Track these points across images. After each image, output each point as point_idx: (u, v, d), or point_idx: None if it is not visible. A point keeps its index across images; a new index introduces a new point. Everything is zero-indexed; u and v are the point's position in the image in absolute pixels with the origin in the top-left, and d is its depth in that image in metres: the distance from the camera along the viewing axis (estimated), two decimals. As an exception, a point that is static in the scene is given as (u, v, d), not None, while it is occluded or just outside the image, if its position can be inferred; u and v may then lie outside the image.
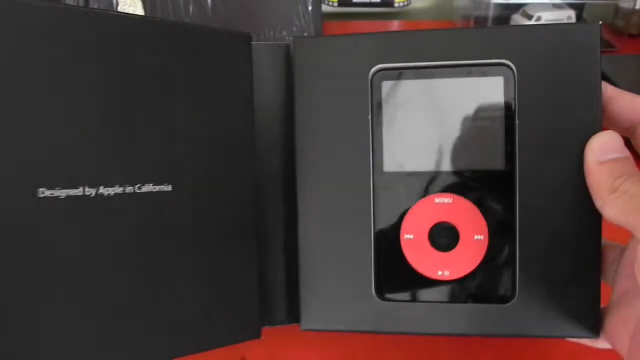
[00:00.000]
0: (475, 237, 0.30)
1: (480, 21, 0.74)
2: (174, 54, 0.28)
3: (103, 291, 0.26)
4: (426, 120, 0.31)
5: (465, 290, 0.30)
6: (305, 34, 0.75)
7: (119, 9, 0.60)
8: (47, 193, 0.24)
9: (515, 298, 0.29)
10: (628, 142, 0.28)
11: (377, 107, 0.31)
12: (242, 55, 0.31)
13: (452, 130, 0.30)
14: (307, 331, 0.31)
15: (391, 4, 0.86)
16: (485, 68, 0.30)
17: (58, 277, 0.25)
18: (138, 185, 0.27)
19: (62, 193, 0.25)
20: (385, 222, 0.31)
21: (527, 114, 0.29)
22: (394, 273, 0.31)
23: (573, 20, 0.74)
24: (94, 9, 0.25)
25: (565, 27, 0.29)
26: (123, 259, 0.26)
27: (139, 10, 0.61)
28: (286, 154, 0.32)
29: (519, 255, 0.29)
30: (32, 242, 0.24)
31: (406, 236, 0.31)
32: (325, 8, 0.81)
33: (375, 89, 0.31)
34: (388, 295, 0.31)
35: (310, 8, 0.72)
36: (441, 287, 0.30)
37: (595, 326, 0.29)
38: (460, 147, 0.30)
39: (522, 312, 0.29)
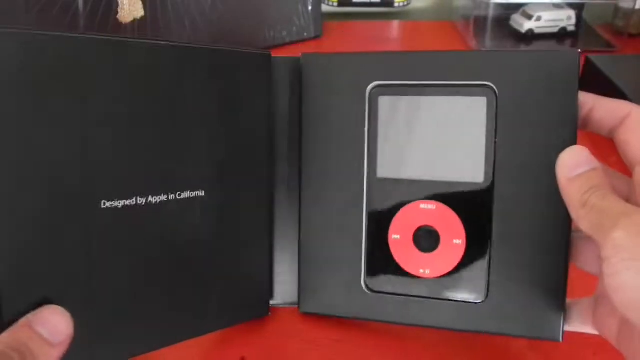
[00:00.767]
0: (454, 241, 0.33)
1: (480, 21, 0.74)
2: (204, 76, 0.31)
3: (147, 278, 0.30)
4: (417, 133, 0.33)
5: (443, 288, 0.33)
6: (305, 34, 0.75)
7: (119, 8, 0.60)
8: (108, 204, 0.28)
9: (487, 298, 0.32)
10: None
11: (373, 120, 0.34)
12: (263, 72, 0.35)
13: (439, 144, 0.33)
14: (305, 314, 0.36)
15: (391, 4, 0.86)
16: (471, 89, 0.32)
17: (115, 267, 0.29)
18: (178, 192, 0.31)
19: (119, 203, 0.29)
20: (376, 223, 0.34)
21: (507, 132, 0.31)
22: (382, 269, 0.34)
23: (573, 20, 0.75)
24: (132, 39, 0.29)
25: (546, 54, 0.31)
26: (165, 251, 0.31)
27: (139, 10, 0.61)
28: (293, 156, 0.36)
29: (493, 260, 0.32)
30: (96, 244, 0.28)
31: (394, 236, 0.34)
32: (325, 8, 0.81)
33: (372, 103, 0.34)
34: (376, 288, 0.34)
35: (310, 8, 0.72)
36: (422, 284, 0.34)
37: (557, 331, 0.31)
38: (445, 160, 0.33)
39: (492, 311, 0.32)
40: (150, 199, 0.30)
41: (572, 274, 0.31)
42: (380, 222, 0.34)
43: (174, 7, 0.64)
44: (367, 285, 0.34)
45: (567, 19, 0.75)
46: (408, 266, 0.34)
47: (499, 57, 0.32)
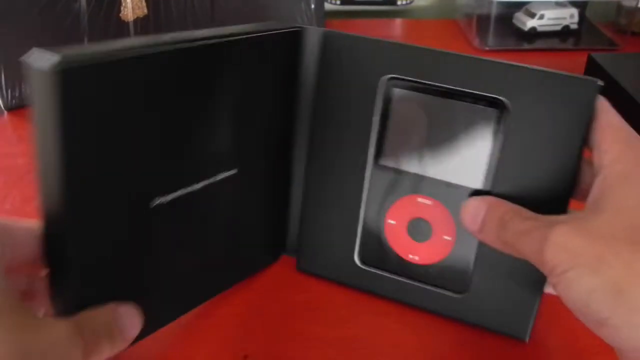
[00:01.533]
0: (445, 237, 0.35)
1: (483, 19, 0.74)
2: (237, 63, 0.32)
3: (193, 248, 0.34)
4: (424, 130, 0.34)
5: (429, 275, 0.36)
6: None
7: (122, 7, 0.60)
8: (157, 201, 0.30)
9: (467, 293, 0.35)
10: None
11: (385, 109, 0.34)
12: (293, 48, 0.35)
13: (445, 145, 0.34)
14: (301, 271, 0.39)
15: (394, 2, 0.86)
16: (485, 99, 0.32)
17: (165, 252, 0.32)
18: (215, 175, 0.33)
19: (168, 198, 0.30)
20: (374, 205, 0.36)
21: (513, 148, 0.32)
22: (375, 247, 0.37)
23: (576, 18, 0.74)
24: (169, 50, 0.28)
25: (567, 79, 0.30)
26: (205, 229, 0.34)
27: (142, 8, 0.61)
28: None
29: (477, 261, 0.34)
30: (150, 237, 0.30)
31: (389, 221, 0.36)
32: (328, 6, 0.81)
33: (385, 93, 0.34)
34: (367, 262, 0.37)
35: (313, 6, 0.72)
36: (410, 267, 0.36)
37: (524, 331, 0.34)
38: (448, 161, 0.34)
39: (470, 305, 0.35)
40: (193, 187, 0.32)
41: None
42: (378, 206, 0.36)
43: (177, 6, 0.64)
44: (360, 259, 0.37)
45: (570, 17, 0.75)
46: (399, 250, 0.36)
47: (519, 73, 0.31)
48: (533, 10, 0.75)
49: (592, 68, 0.61)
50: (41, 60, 0.23)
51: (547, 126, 0.30)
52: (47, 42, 0.64)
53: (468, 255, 0.34)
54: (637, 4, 0.74)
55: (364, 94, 0.34)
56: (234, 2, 0.67)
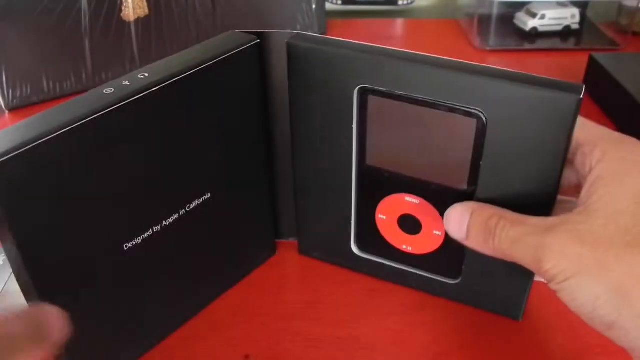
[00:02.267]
0: (435, 232, 0.36)
1: (484, 19, 0.74)
2: (198, 94, 0.31)
3: (179, 264, 0.34)
4: (405, 135, 0.33)
5: (424, 263, 0.37)
6: (310, 32, 0.75)
7: (123, 7, 0.60)
8: (129, 244, 0.30)
9: (461, 280, 0.36)
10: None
11: (362, 116, 0.34)
12: (255, 60, 0.34)
13: (427, 149, 0.33)
14: (303, 255, 0.41)
15: (395, 3, 0.86)
16: (462, 109, 0.31)
17: (152, 274, 0.33)
18: (187, 205, 0.33)
19: (139, 239, 0.31)
20: (364, 202, 0.37)
21: (492, 157, 0.31)
22: (369, 239, 0.38)
23: (577, 18, 0.74)
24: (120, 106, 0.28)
25: (546, 94, 0.28)
26: (186, 250, 0.34)
27: (144, 8, 0.62)
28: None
29: (468, 251, 0.33)
30: (123, 273, 0.31)
31: (380, 216, 0.37)
32: (329, 6, 0.81)
33: (360, 101, 0.33)
34: (364, 250, 0.39)
35: (314, 6, 0.72)
36: (405, 256, 0.37)
37: (518, 312, 0.36)
38: (431, 164, 0.34)
39: (465, 289, 0.36)
40: (164, 223, 0.32)
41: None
42: (368, 202, 0.37)
43: (178, 5, 0.64)
44: (357, 247, 0.39)
45: (571, 17, 0.75)
46: (393, 241, 0.38)
47: (495, 88, 0.29)
48: (534, 10, 0.75)
49: (593, 68, 0.60)
50: None
51: (527, 139, 0.29)
52: (49, 42, 0.65)
53: (458, 246, 0.33)
54: (639, 4, 0.74)
55: (339, 101, 0.33)
56: (235, 2, 0.67)
